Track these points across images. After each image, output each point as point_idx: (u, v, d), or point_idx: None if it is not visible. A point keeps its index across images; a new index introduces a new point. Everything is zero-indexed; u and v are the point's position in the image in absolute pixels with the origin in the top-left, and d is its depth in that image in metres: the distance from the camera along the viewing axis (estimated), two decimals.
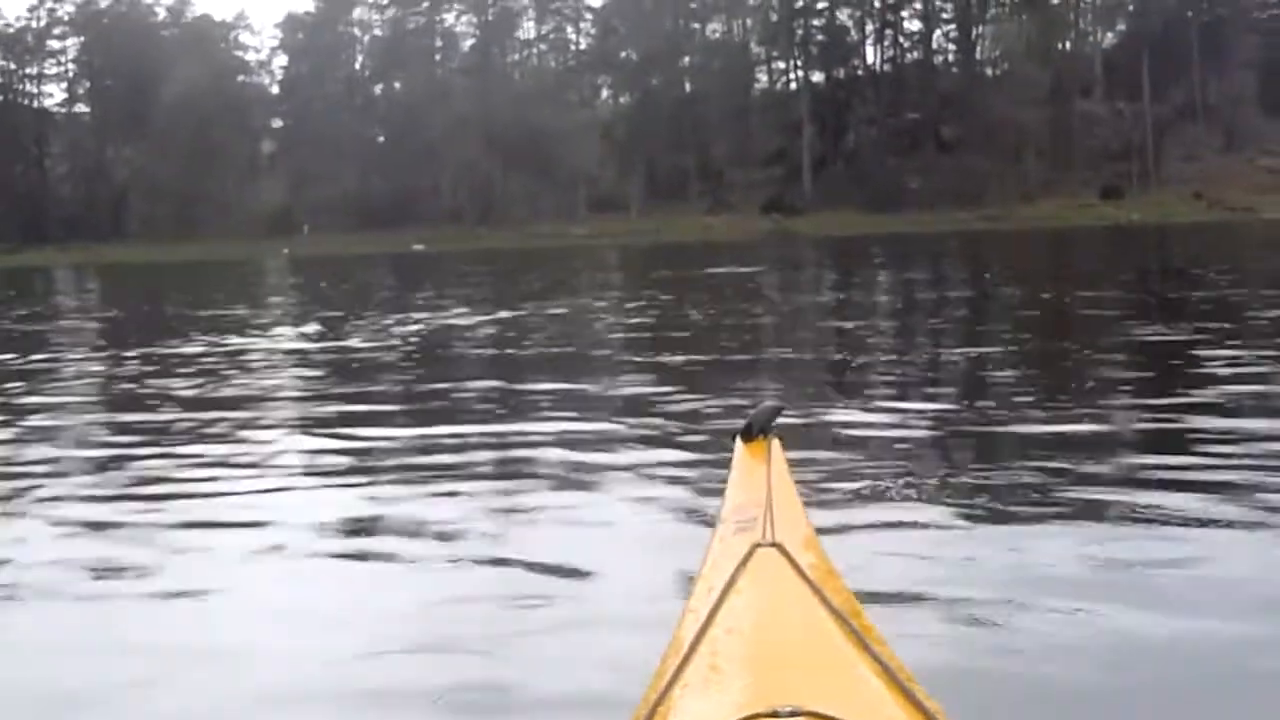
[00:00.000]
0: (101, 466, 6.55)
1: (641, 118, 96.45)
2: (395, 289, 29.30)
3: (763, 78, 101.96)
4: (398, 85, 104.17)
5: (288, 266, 54.82)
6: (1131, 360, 9.85)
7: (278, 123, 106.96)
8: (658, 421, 7.17)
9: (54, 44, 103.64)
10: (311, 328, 16.08)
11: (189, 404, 9.06)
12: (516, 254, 56.10)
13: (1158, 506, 4.66)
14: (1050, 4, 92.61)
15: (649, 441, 6.53)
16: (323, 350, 12.96)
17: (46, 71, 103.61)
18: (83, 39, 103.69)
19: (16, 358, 12.99)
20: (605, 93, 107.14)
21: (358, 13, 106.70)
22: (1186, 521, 4.44)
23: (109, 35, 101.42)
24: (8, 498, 5.69)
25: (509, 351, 12.31)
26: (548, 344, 12.88)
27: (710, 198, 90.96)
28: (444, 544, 4.61)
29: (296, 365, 11.78)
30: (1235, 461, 5.42)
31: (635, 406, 7.93)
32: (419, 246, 75.90)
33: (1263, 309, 13.62)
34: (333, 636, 3.66)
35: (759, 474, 2.13)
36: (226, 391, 9.73)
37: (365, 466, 6.24)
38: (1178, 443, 6.03)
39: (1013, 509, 4.79)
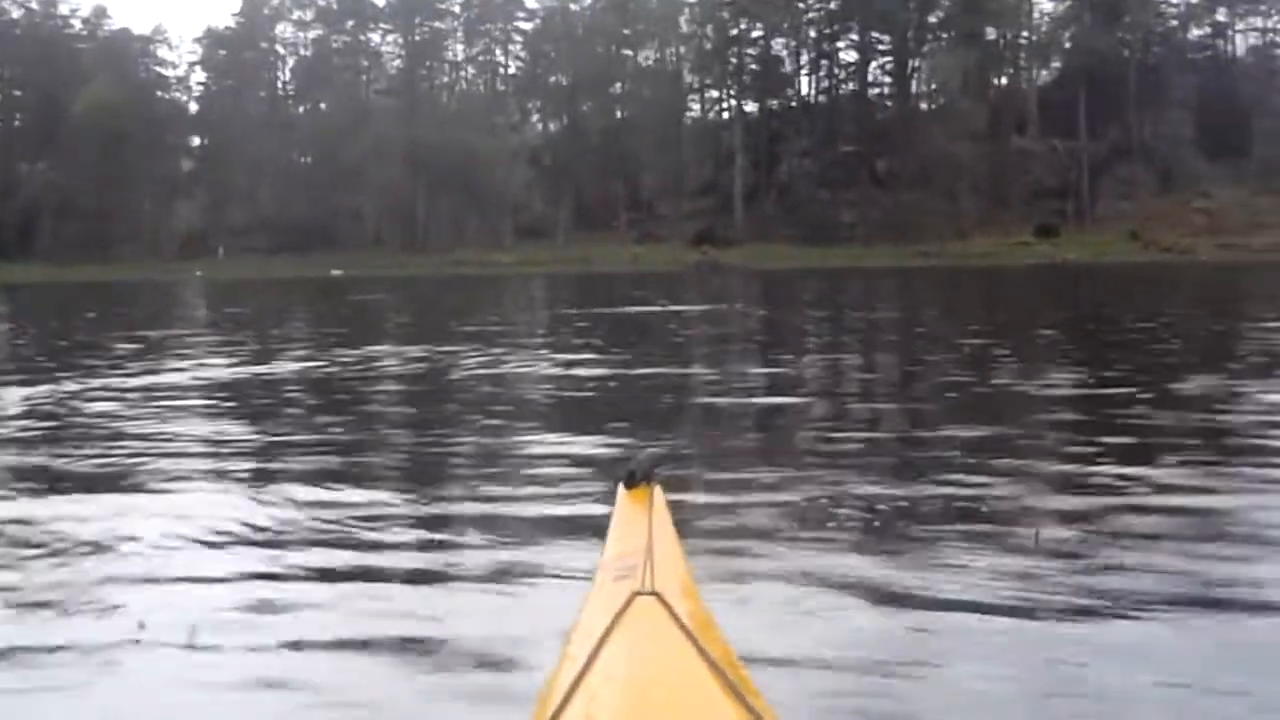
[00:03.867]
0: None
1: (571, 144, 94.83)
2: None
3: (695, 107, 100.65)
4: (323, 106, 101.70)
5: (200, 289, 52.35)
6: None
7: (196, 140, 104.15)
8: None
9: None
10: None
11: None
12: (430, 281, 54.25)
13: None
14: (987, 38, 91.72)
15: None
16: None
17: None
18: None
19: None
20: (535, 118, 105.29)
21: (280, 29, 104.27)
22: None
23: (21, 46, 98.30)
24: None
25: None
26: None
27: (639, 227, 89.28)
28: None
29: None
30: None
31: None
32: (337, 272, 73.83)
33: None
34: None
35: (640, 521, 2.12)
36: None
37: None
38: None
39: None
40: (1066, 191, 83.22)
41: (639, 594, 1.77)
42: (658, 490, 2.28)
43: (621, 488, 2.34)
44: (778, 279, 48.96)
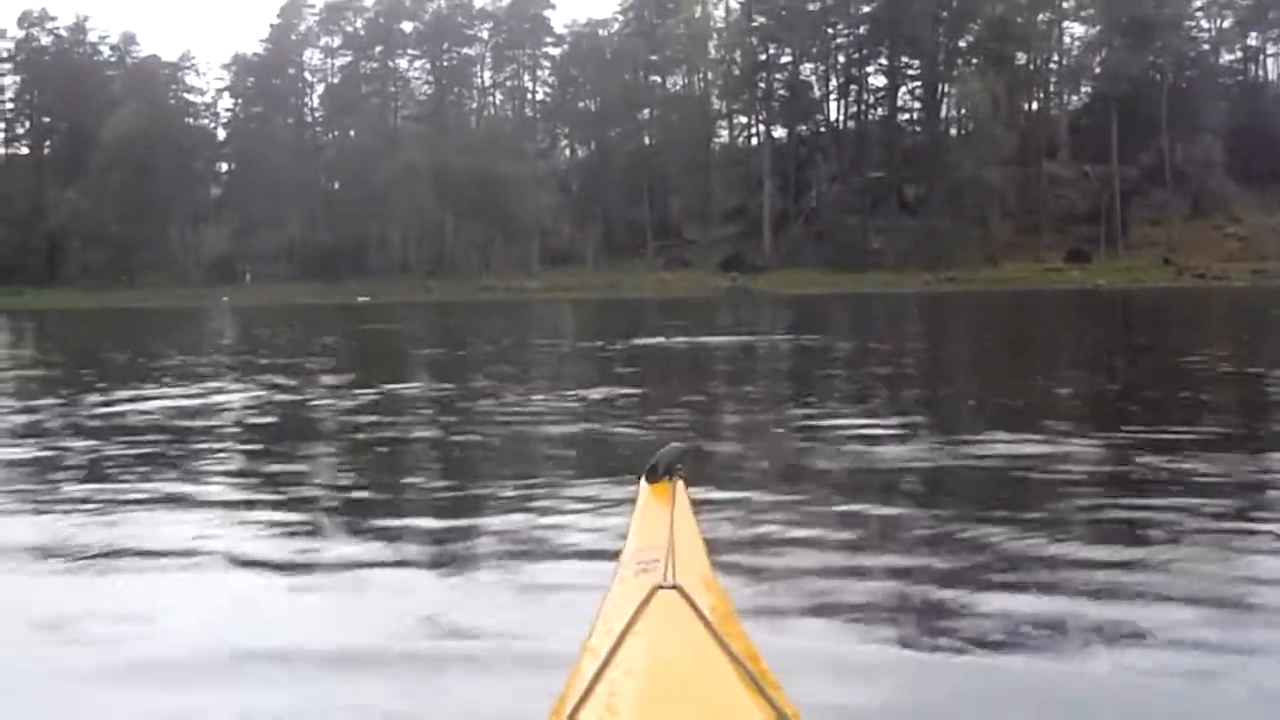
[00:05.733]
0: None
1: (599, 170, 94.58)
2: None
3: (724, 132, 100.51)
4: (351, 132, 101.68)
5: (227, 315, 51.92)
6: None
7: (224, 167, 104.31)
8: None
9: None
10: None
11: None
12: (446, 308, 54.04)
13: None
14: (1017, 63, 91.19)
15: None
16: None
17: None
18: (23, 77, 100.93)
19: None
20: (562, 144, 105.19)
21: (309, 55, 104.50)
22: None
23: (51, 73, 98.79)
24: None
25: None
26: None
27: (667, 253, 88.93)
28: None
29: None
30: None
31: None
32: (364, 298, 73.73)
33: None
34: None
35: (662, 515, 2.15)
36: None
37: None
38: None
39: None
40: (1098, 217, 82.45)
41: (661, 588, 1.78)
42: (680, 484, 2.28)
43: (644, 481, 2.33)
44: (809, 305, 48.43)
